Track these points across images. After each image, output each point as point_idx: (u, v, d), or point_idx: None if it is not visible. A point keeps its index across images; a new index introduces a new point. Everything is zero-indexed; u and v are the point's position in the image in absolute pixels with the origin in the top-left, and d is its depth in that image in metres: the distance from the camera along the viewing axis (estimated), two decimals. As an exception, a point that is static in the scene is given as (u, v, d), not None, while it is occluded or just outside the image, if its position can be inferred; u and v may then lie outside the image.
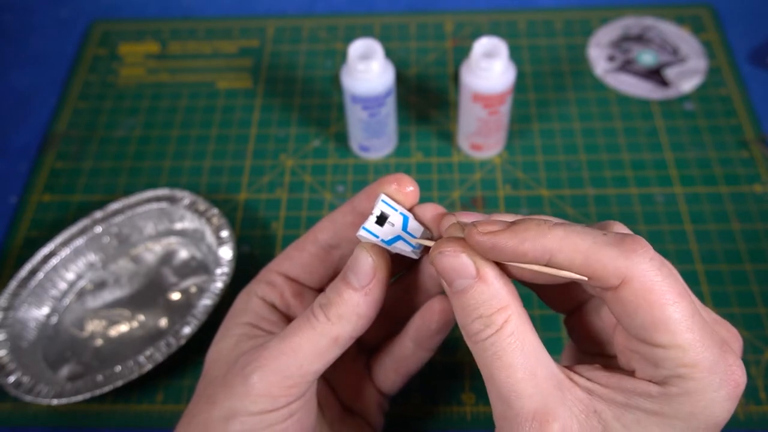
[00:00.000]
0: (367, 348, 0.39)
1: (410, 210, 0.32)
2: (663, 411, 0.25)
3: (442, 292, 0.35)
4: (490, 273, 0.27)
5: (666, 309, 0.24)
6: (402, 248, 0.31)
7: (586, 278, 0.25)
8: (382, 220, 0.30)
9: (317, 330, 0.30)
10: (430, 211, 0.31)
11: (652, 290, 0.24)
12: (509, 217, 0.28)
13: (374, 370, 0.38)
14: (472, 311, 0.27)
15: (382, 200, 0.31)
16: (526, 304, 0.28)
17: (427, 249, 0.32)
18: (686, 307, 0.24)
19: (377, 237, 0.30)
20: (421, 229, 0.31)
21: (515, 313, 0.26)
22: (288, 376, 0.30)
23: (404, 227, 0.31)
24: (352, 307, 0.30)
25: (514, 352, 0.26)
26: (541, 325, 0.48)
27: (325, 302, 0.30)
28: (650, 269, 0.24)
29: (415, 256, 0.31)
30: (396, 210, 0.31)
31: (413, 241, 0.31)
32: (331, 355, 0.30)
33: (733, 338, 0.27)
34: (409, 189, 0.31)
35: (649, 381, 0.25)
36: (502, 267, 0.27)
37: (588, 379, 0.26)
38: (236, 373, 0.30)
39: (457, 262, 0.27)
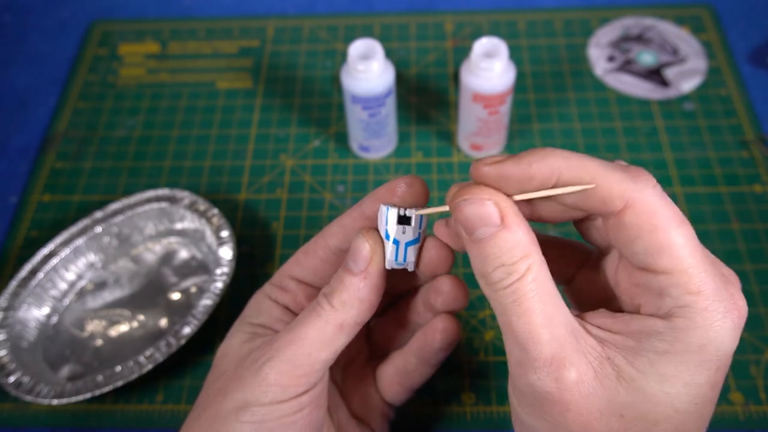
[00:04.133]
0: (378, 354, 0.40)
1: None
2: (674, 348, 0.24)
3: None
4: (515, 220, 0.26)
5: (669, 233, 0.24)
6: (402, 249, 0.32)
7: (593, 185, 0.25)
8: (404, 220, 0.31)
9: (323, 318, 0.31)
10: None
11: (656, 214, 0.25)
12: None
13: (380, 380, 0.39)
14: (494, 260, 0.26)
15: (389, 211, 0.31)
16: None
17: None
18: (688, 233, 0.25)
19: (389, 236, 0.31)
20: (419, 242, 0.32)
21: (537, 260, 0.26)
22: (297, 365, 0.30)
23: (410, 243, 0.32)
24: (353, 292, 0.31)
25: (534, 298, 0.26)
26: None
27: (328, 291, 0.31)
28: (654, 194, 0.25)
29: (409, 268, 0.32)
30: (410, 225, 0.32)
31: (423, 212, 0.31)
32: (338, 342, 0.31)
33: (731, 276, 0.27)
34: (420, 189, 0.32)
35: (655, 316, 0.25)
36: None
37: (598, 327, 0.27)
38: (248, 366, 0.31)
39: (482, 209, 0.26)
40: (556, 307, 0.26)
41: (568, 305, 0.27)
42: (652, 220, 0.24)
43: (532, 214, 0.28)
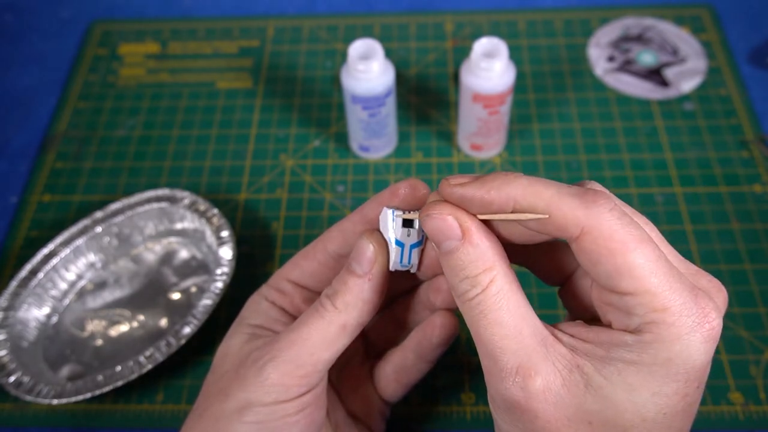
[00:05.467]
0: (374, 353, 0.40)
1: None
2: (641, 359, 0.25)
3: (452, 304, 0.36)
4: (476, 234, 0.27)
5: (627, 256, 0.24)
6: (405, 254, 0.32)
7: (546, 216, 0.26)
8: (408, 222, 0.31)
9: (326, 319, 0.31)
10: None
11: (612, 238, 0.24)
12: None
13: (377, 378, 0.39)
14: (459, 272, 0.27)
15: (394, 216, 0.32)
16: (522, 283, 0.28)
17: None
18: (649, 252, 0.24)
19: (393, 239, 0.31)
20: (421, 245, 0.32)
21: (501, 273, 0.27)
22: (300, 365, 0.31)
23: (414, 245, 0.32)
24: (357, 294, 0.31)
25: (499, 310, 0.26)
26: (538, 304, 0.48)
27: (331, 292, 0.32)
28: (610, 218, 0.25)
29: (412, 270, 0.33)
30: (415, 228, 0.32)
31: (405, 216, 0.32)
32: (340, 343, 0.31)
33: (715, 289, 0.27)
34: (423, 192, 0.32)
35: (625, 331, 0.26)
36: (491, 228, 0.28)
37: (571, 336, 0.27)
38: (249, 366, 0.31)
39: (443, 224, 0.27)
40: (523, 318, 0.26)
41: (553, 315, 0.27)
42: (609, 244, 0.24)
43: (500, 235, 0.28)
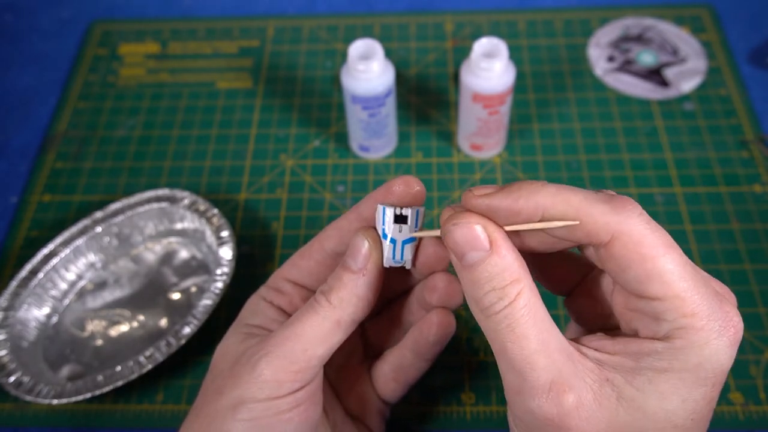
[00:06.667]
0: (373, 353, 0.40)
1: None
2: (672, 366, 0.25)
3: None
4: (504, 245, 0.27)
5: (658, 261, 0.24)
6: (398, 248, 0.32)
7: (577, 222, 0.25)
8: (400, 219, 0.31)
9: (320, 314, 0.31)
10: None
11: (643, 243, 0.25)
12: None
13: (375, 378, 0.39)
14: (484, 284, 0.26)
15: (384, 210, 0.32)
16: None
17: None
18: (677, 258, 0.25)
19: (386, 235, 0.31)
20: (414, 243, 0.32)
21: (527, 285, 0.26)
22: (293, 361, 0.31)
23: (406, 241, 0.32)
24: (351, 289, 0.31)
25: (528, 323, 0.26)
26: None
27: (326, 288, 0.32)
28: (639, 224, 0.25)
29: (407, 266, 0.33)
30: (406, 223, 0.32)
31: (416, 234, 0.32)
32: (334, 338, 0.31)
33: (726, 293, 0.27)
34: (417, 189, 0.32)
35: (653, 338, 0.25)
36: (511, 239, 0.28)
37: (595, 350, 0.27)
38: (243, 363, 0.31)
39: (470, 234, 0.27)
40: (549, 332, 0.26)
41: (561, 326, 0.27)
42: (639, 249, 0.25)
43: (523, 245, 0.28)
